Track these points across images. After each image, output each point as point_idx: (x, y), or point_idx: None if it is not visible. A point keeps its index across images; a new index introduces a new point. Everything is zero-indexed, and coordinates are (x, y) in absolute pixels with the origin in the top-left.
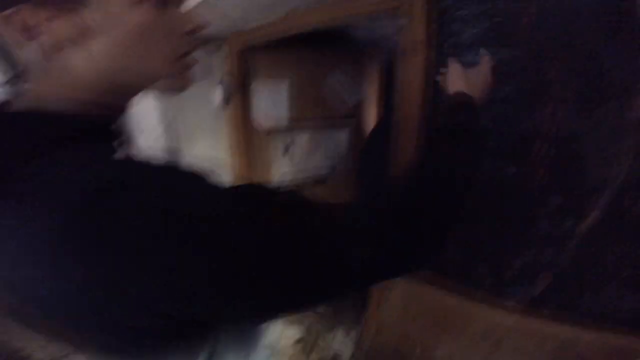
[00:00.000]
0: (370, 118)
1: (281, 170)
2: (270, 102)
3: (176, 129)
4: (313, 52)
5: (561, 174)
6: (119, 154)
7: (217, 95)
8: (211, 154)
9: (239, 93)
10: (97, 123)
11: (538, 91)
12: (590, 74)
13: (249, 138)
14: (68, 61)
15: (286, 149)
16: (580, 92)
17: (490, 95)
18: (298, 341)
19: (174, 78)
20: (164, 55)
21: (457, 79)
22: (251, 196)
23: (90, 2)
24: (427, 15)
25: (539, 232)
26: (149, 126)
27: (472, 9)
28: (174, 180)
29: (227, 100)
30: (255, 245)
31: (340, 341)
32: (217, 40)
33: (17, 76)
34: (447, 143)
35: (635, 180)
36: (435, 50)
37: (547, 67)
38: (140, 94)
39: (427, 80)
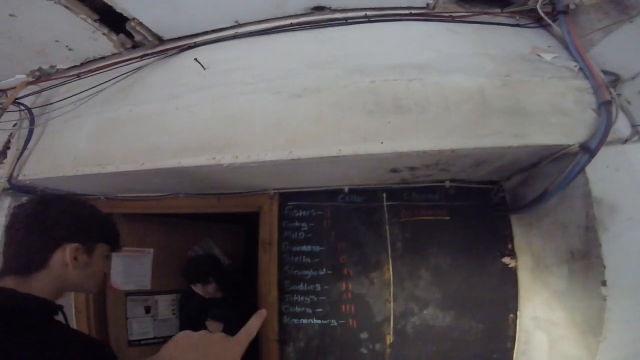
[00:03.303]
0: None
1: (142, 328)
2: (134, 268)
3: None
4: (180, 224)
5: (362, 318)
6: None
7: None
8: None
9: None
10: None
11: (337, 271)
12: (359, 253)
13: (102, 298)
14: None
15: (147, 310)
16: (358, 264)
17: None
18: None
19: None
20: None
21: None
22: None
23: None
24: (278, 215)
25: (362, 356)
26: None
27: (300, 213)
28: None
29: None
30: None
31: None
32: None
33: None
34: None
35: (398, 313)
36: (284, 240)
37: (340, 254)
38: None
39: (278, 262)
